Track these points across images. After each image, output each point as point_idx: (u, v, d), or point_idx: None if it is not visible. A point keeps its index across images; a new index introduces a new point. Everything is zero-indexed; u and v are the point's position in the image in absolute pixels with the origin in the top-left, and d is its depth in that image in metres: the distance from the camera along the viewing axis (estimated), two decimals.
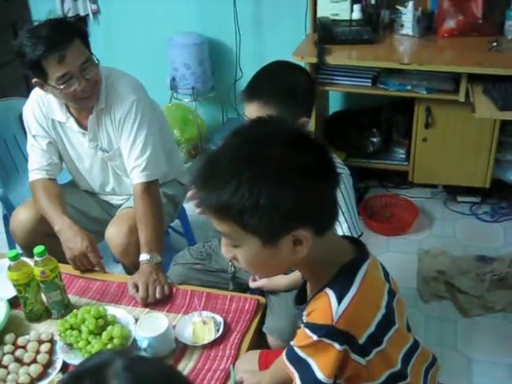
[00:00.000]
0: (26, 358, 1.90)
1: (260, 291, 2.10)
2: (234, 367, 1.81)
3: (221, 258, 2.18)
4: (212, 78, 3.94)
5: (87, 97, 2.26)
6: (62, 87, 2.18)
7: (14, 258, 2.00)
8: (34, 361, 1.89)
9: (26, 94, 2.77)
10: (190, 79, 3.80)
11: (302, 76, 1.99)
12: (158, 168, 2.39)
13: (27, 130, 2.48)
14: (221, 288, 2.16)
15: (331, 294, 1.25)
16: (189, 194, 1.88)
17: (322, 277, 1.29)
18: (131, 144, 2.33)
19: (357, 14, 3.46)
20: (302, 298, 1.40)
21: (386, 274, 1.41)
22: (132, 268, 2.33)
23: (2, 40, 3.75)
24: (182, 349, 1.90)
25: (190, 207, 3.06)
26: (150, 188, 2.34)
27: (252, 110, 1.83)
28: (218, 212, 1.18)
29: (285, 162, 1.15)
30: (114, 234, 2.36)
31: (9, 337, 1.99)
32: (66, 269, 2.23)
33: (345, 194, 1.89)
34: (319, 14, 3.49)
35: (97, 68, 2.26)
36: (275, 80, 1.89)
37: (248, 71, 3.88)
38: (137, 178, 2.33)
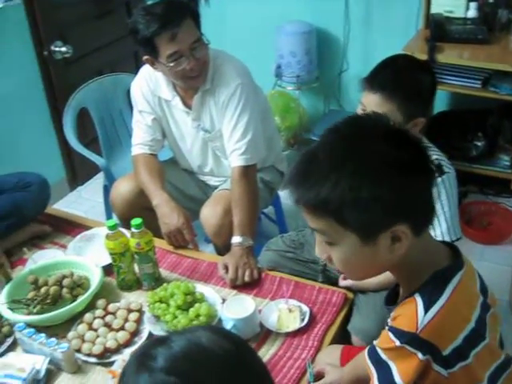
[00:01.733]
0: (115, 324, 1.97)
1: (348, 288, 2.07)
2: (312, 361, 1.80)
3: (313, 249, 2.16)
4: (317, 68, 3.91)
5: (195, 76, 2.29)
6: (171, 65, 2.22)
7: (113, 228, 2.08)
8: (122, 328, 1.96)
9: (134, 70, 2.85)
10: (295, 67, 3.78)
11: (428, 75, 1.92)
12: (257, 153, 2.40)
13: (134, 105, 2.55)
14: (310, 279, 2.15)
15: (419, 302, 1.22)
16: None
17: (414, 281, 1.26)
18: (233, 127, 2.35)
19: (472, 12, 3.34)
20: (392, 299, 1.37)
21: (483, 286, 1.35)
22: (223, 249, 2.36)
23: (115, 18, 3.87)
24: (265, 334, 1.91)
25: (286, 194, 3.09)
26: (248, 172, 2.36)
27: (371, 101, 1.80)
28: (316, 208, 1.17)
29: (383, 158, 1.14)
30: (209, 214, 2.40)
31: (101, 302, 2.07)
32: (159, 243, 2.29)
33: (449, 194, 1.84)
34: (433, 10, 3.40)
35: (206, 48, 2.29)
36: (401, 75, 1.85)
37: (354, 64, 3.83)
38: (236, 160, 2.35)
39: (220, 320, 1.92)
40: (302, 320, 1.92)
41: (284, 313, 1.94)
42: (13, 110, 3.41)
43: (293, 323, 1.91)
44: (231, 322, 1.86)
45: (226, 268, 2.14)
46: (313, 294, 2.05)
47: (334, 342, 1.90)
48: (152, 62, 2.28)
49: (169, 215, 2.29)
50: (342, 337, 1.97)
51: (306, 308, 1.97)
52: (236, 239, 2.22)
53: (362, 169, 1.13)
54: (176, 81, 2.36)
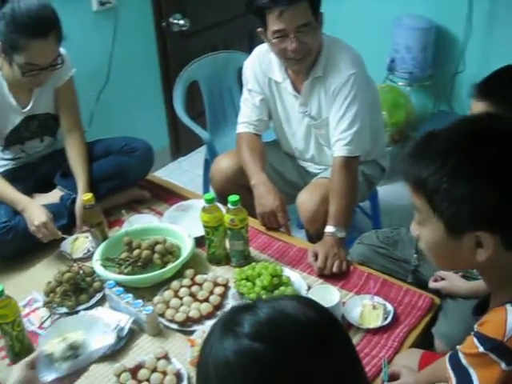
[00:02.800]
0: (200, 295, 2.01)
1: (437, 292, 2.02)
2: (388, 361, 1.77)
3: (407, 248, 2.13)
4: (431, 66, 3.80)
5: (298, 60, 2.28)
6: (274, 41, 2.23)
7: (210, 201, 2.11)
8: (207, 300, 1.99)
9: (247, 49, 2.87)
10: (409, 63, 3.69)
11: None
12: (361, 145, 2.37)
13: (244, 83, 2.57)
14: (399, 278, 2.11)
15: (510, 310, 1.18)
16: None
17: (507, 291, 1.23)
18: (340, 116, 2.32)
19: None
20: (482, 309, 1.33)
21: None
22: (315, 237, 2.35)
23: None
24: (346, 327, 1.89)
25: (384, 190, 3.04)
26: (350, 163, 2.33)
27: (478, 109, 1.72)
28: (415, 184, 1.21)
29: (497, 163, 1.13)
30: (306, 200, 2.38)
31: (189, 272, 2.11)
32: (253, 222, 2.32)
33: None
34: None
35: (315, 35, 2.25)
36: None
37: (471, 66, 3.69)
38: (339, 150, 2.33)
39: None
40: (385, 319, 1.89)
41: (368, 309, 1.91)
42: (127, 75, 3.52)
43: (375, 320, 1.89)
44: None
45: (316, 256, 2.14)
46: (399, 294, 2.01)
47: (415, 345, 1.86)
48: (263, 34, 2.29)
49: (265, 196, 2.31)
50: (424, 340, 1.93)
51: (390, 307, 1.94)
52: (329, 228, 2.21)
53: (469, 166, 1.13)
54: (279, 58, 2.35)
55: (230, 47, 3.58)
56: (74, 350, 1.27)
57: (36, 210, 2.28)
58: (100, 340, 1.29)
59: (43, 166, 2.60)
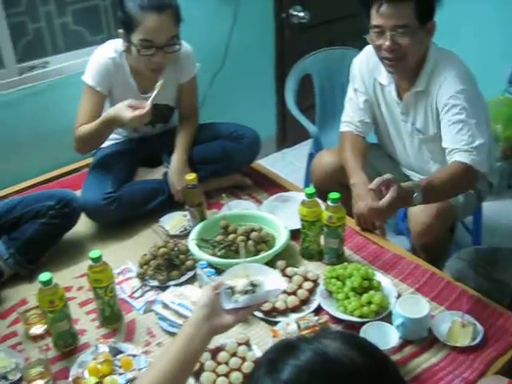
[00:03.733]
0: (289, 287, 2.02)
1: None
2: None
3: (508, 269, 2.04)
4: None
5: (391, 61, 2.20)
6: (373, 36, 2.19)
7: (310, 196, 2.12)
8: (294, 293, 2.00)
9: (360, 46, 2.82)
10: None
11: None
12: (483, 161, 2.18)
13: (351, 81, 2.54)
14: (494, 300, 2.03)
15: None
16: None
17: None
18: (458, 130, 2.16)
19: None
20: None
21: None
22: (420, 249, 2.30)
23: None
24: (431, 341, 1.85)
25: (488, 206, 2.93)
26: (469, 173, 2.15)
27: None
28: None
29: None
30: (419, 212, 2.25)
31: (280, 263, 2.13)
32: (349, 222, 2.30)
33: None
34: None
35: (414, 40, 2.14)
36: None
37: None
38: (461, 157, 2.14)
39: (390, 313, 1.90)
40: (474, 339, 1.83)
41: (457, 326, 1.86)
42: (242, 62, 3.56)
43: (463, 339, 1.83)
44: (401, 318, 1.83)
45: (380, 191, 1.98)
46: (493, 315, 1.93)
47: (502, 372, 1.78)
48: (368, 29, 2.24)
49: (363, 197, 2.27)
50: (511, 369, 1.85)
51: (480, 328, 1.87)
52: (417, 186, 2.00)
53: None
54: (377, 57, 2.28)
55: (346, 43, 3.54)
56: (253, 286, 1.41)
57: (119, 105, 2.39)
58: (275, 284, 1.45)
59: (154, 143, 2.70)
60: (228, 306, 1.41)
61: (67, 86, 2.92)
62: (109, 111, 2.41)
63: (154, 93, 2.36)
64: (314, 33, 3.79)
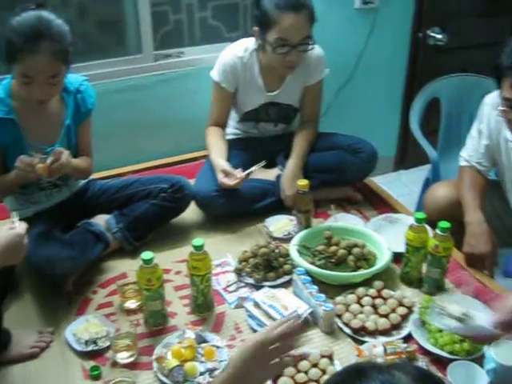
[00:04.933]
0: (382, 309, 1.98)
1: None
2: None
3: None
4: None
5: None
6: (503, 108, 2.03)
7: (420, 221, 2.07)
8: (386, 316, 1.96)
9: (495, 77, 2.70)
10: None
11: None
12: None
13: (477, 118, 2.38)
14: None
15: None
16: None
17: None
18: None
19: None
20: None
21: None
22: None
23: (498, 20, 3.69)
24: None
25: None
26: None
27: None
28: None
29: None
30: None
31: (378, 283, 2.09)
32: (456, 254, 2.21)
33: None
34: None
35: None
36: None
37: None
38: None
39: (483, 356, 1.81)
40: None
41: None
42: (371, 77, 3.52)
43: None
44: (493, 363, 1.73)
45: None
46: None
47: None
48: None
49: (478, 237, 2.16)
50: None
51: None
52: None
53: None
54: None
55: (480, 72, 3.42)
56: (466, 317, 1.45)
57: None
58: (485, 321, 1.45)
59: (271, 144, 2.73)
60: (438, 324, 1.38)
61: (198, 78, 3.01)
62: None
63: (252, 168, 2.42)
64: (448, 56, 3.68)
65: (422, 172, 3.47)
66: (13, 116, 2.10)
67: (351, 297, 2.04)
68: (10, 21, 1.97)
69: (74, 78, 2.24)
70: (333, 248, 2.19)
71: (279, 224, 2.48)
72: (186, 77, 3.07)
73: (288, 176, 2.53)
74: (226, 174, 2.39)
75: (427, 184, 2.91)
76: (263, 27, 2.39)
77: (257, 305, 2.01)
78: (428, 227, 2.14)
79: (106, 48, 3.04)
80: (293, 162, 2.57)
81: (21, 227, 1.66)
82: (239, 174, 2.38)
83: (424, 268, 2.13)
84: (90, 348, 1.88)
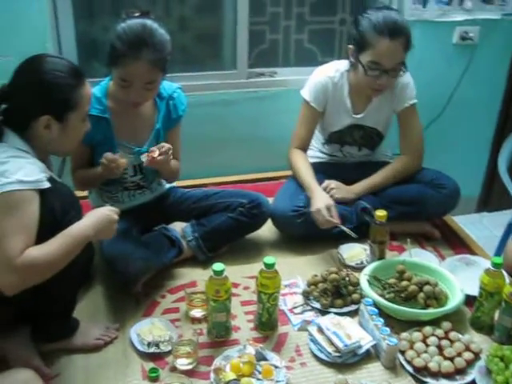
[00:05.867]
0: (447, 352, 1.93)
1: None
2: None
3: None
4: None
5: None
6: None
7: (497, 266, 2.00)
8: (452, 359, 1.91)
9: None
10: None
11: None
12: None
13: None
14: None
15: None
16: None
17: None
18: None
19: None
20: None
21: None
22: None
23: None
24: None
25: None
26: None
27: None
28: None
29: None
30: None
31: (446, 324, 2.05)
32: None
33: None
34: None
35: None
36: None
37: None
38: None
39: None
40: None
41: None
42: (463, 113, 3.44)
43: None
44: None
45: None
46: None
47: None
48: None
49: None
50: None
51: None
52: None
53: None
54: None
55: None
56: None
57: (318, 196, 2.41)
58: None
59: (353, 171, 2.71)
60: None
61: (287, 99, 3.05)
62: None
63: (345, 230, 2.40)
64: None
65: (505, 217, 3.36)
66: (107, 115, 2.21)
67: (417, 334, 2.00)
68: (115, 26, 2.08)
69: (169, 85, 2.33)
70: (404, 283, 2.15)
71: (352, 252, 2.47)
72: (277, 96, 3.11)
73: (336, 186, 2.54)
74: (329, 210, 2.37)
75: (510, 229, 2.82)
76: (359, 47, 2.40)
77: (320, 330, 2.00)
78: (505, 273, 2.08)
79: (202, 61, 3.13)
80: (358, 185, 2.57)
81: (115, 209, 1.85)
82: (336, 219, 2.37)
83: (496, 315, 2.06)
84: (152, 350, 1.93)
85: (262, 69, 3.17)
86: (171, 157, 2.22)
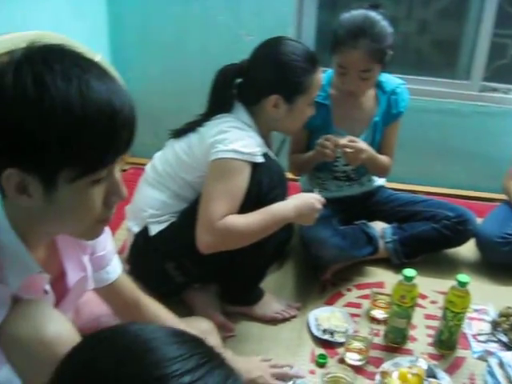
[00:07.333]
0: None
1: None
2: None
3: None
4: None
5: None
6: None
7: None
8: None
9: None
10: None
11: None
12: None
13: None
14: None
15: None
16: None
17: None
18: None
19: None
20: None
21: None
22: None
23: None
24: None
25: None
26: None
27: None
28: None
29: None
30: None
31: None
32: None
33: None
34: None
35: None
36: None
37: None
38: None
39: None
40: None
41: None
42: None
43: None
44: None
45: None
46: None
47: None
48: None
49: None
50: None
51: None
52: None
53: None
54: None
55: None
56: None
57: None
58: None
59: None
60: None
61: None
62: None
63: None
64: None
65: None
66: (328, 102, 2.27)
67: None
68: (340, 16, 2.15)
69: (392, 79, 2.33)
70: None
71: None
72: (508, 115, 2.95)
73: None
74: None
75: None
76: None
77: (501, 365, 1.88)
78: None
79: (435, 66, 3.07)
80: None
81: (321, 199, 1.88)
82: None
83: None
84: (326, 337, 1.97)
85: (496, 84, 3.01)
86: (366, 146, 2.20)
